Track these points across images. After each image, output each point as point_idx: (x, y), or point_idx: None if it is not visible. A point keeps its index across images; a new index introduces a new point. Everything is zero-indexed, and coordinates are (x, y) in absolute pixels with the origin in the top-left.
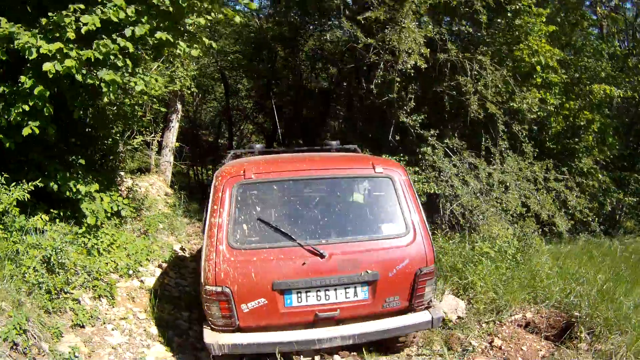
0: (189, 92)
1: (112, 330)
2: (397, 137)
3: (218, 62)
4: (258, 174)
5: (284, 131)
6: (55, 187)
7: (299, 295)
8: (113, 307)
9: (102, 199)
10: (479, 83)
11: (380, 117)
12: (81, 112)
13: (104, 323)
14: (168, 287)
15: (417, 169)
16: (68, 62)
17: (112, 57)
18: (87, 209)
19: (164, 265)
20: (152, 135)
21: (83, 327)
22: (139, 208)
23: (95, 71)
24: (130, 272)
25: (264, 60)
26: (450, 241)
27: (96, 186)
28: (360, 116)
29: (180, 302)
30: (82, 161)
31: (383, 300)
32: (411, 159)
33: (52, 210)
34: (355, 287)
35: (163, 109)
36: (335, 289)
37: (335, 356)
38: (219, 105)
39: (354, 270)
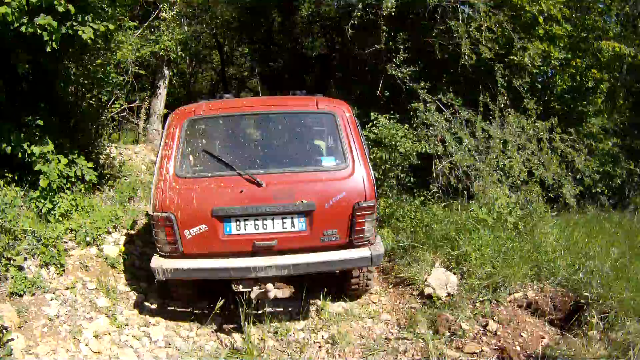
0: (174, 56)
1: (51, 300)
2: (387, 94)
3: (213, 28)
4: (207, 110)
5: None
6: (9, 148)
7: (238, 223)
8: (61, 275)
9: (59, 161)
10: (472, 26)
11: (370, 73)
12: (27, 66)
13: (44, 292)
14: (131, 256)
15: (407, 126)
16: (2, 9)
17: (55, 2)
18: (42, 171)
19: (132, 233)
20: (137, 101)
21: (21, 295)
22: (115, 175)
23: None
24: (89, 239)
25: (260, 25)
26: (443, 206)
27: (50, 147)
28: (354, 77)
29: (141, 271)
30: (41, 122)
31: (321, 232)
32: (402, 117)
33: (7, 174)
34: (292, 218)
35: (142, 72)
36: (273, 219)
37: (269, 285)
38: (215, 74)
39: (290, 200)
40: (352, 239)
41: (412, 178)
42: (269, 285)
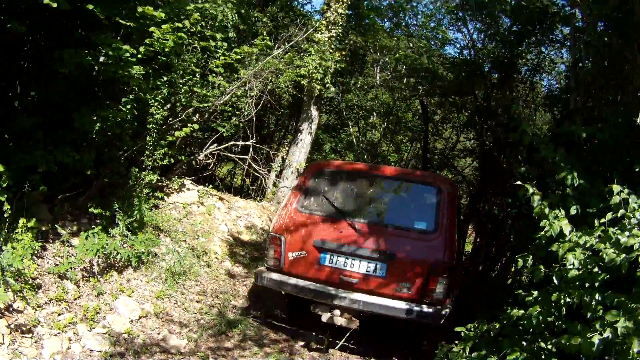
0: (319, 87)
1: None
2: None
3: (418, 87)
4: (335, 166)
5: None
6: None
7: (332, 256)
8: None
9: None
10: None
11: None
12: None
13: None
14: None
15: None
16: None
17: None
18: None
19: None
20: (269, 147)
21: None
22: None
23: None
24: None
25: (473, 89)
26: None
27: None
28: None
29: None
30: None
31: (397, 283)
32: None
33: None
34: (376, 263)
35: (237, 100)
36: (360, 260)
37: (336, 310)
38: (409, 144)
39: (377, 248)
40: (423, 295)
41: None
42: (336, 311)
